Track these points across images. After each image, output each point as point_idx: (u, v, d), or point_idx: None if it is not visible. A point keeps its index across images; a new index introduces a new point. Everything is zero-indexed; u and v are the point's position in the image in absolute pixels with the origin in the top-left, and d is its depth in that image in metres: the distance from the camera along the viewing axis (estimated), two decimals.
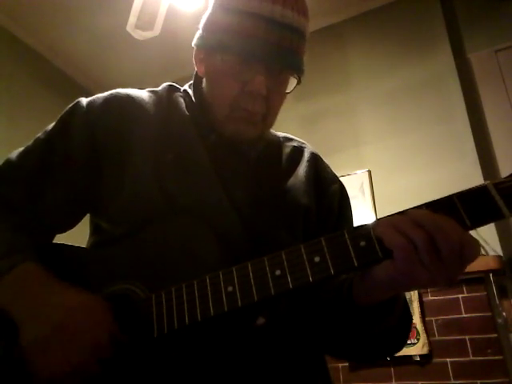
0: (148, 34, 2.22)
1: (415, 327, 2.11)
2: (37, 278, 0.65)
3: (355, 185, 2.58)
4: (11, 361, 0.63)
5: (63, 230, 0.82)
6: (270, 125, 0.82)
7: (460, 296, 2.10)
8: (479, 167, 2.35)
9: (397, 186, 2.52)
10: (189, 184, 0.73)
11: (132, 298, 0.65)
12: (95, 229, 0.80)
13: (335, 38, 3.04)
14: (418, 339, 2.08)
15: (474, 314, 2.05)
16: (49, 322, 0.59)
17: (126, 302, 0.64)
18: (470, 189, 0.54)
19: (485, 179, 2.30)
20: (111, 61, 3.30)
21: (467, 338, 2.03)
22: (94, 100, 0.80)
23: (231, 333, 0.63)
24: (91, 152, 0.76)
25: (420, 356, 2.07)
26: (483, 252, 2.23)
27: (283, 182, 0.81)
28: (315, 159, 0.87)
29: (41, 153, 0.77)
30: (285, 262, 0.57)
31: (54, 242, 0.81)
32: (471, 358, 1.99)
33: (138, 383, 0.61)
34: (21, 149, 0.80)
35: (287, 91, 0.78)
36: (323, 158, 0.91)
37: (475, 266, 2.07)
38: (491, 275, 2.07)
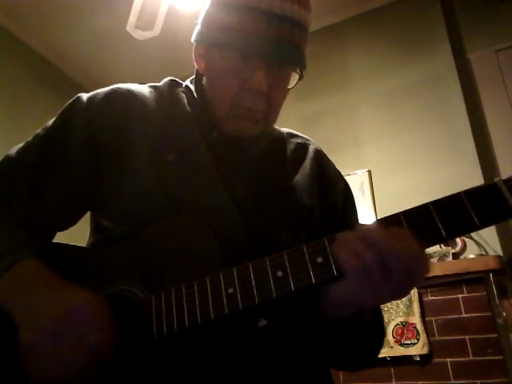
0: (148, 34, 2.22)
1: (415, 327, 2.11)
2: (37, 275, 0.64)
3: (355, 185, 2.58)
4: (9, 360, 0.61)
5: (64, 228, 0.80)
6: (273, 122, 0.80)
7: (460, 296, 2.10)
8: (479, 167, 2.35)
9: (397, 186, 2.52)
10: (190, 183, 0.72)
11: (131, 299, 0.64)
12: (96, 227, 0.79)
13: (335, 37, 3.04)
14: (418, 339, 2.08)
15: (474, 314, 2.05)
16: (47, 322, 0.57)
17: (126, 304, 0.64)
18: (478, 186, 0.51)
19: (485, 179, 2.30)
20: (111, 61, 3.30)
21: (467, 337, 2.03)
22: (94, 95, 0.79)
23: (232, 334, 0.62)
24: (92, 148, 0.75)
25: (420, 356, 2.07)
26: (483, 252, 2.23)
27: (287, 179, 0.79)
28: (320, 156, 0.86)
29: (40, 149, 0.76)
30: (286, 263, 0.55)
31: (55, 241, 0.81)
32: (471, 358, 1.99)
33: None
34: (20, 145, 0.79)
35: (289, 87, 0.75)
36: (328, 157, 0.89)
37: (475, 265, 2.07)
38: (491, 275, 2.07)
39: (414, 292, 2.16)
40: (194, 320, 0.58)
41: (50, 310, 0.58)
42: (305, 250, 0.56)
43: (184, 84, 0.84)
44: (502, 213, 0.49)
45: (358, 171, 2.64)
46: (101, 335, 0.57)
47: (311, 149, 0.86)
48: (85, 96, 0.79)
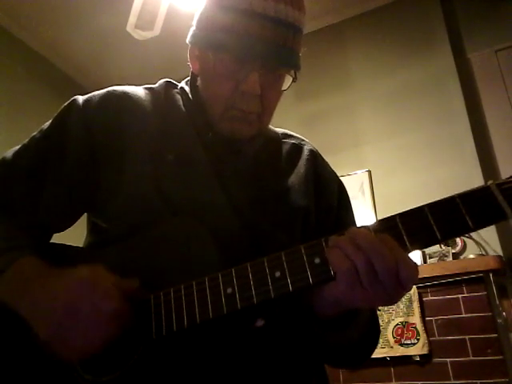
0: (148, 34, 2.22)
1: (415, 327, 2.11)
2: (37, 269, 0.65)
3: (355, 185, 2.58)
4: (33, 352, 0.63)
5: (61, 229, 0.81)
6: (267, 123, 0.81)
7: (460, 296, 2.10)
8: (479, 167, 2.35)
9: (397, 186, 2.52)
10: (186, 183, 0.72)
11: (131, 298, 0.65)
12: (92, 228, 0.80)
13: (335, 37, 3.04)
14: (418, 339, 2.08)
15: (473, 314, 2.05)
16: (59, 305, 0.59)
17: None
18: (472, 189, 0.53)
19: (485, 179, 2.30)
20: (111, 61, 3.30)
21: (467, 338, 2.03)
22: (90, 98, 0.79)
23: (230, 334, 0.62)
24: (88, 150, 0.75)
25: (420, 356, 2.07)
26: (483, 252, 2.23)
27: (282, 180, 0.80)
28: (314, 157, 0.86)
29: (37, 151, 0.77)
30: (284, 264, 0.56)
31: (51, 241, 0.81)
32: (471, 358, 1.99)
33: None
34: (16, 147, 0.79)
35: (283, 89, 0.76)
36: (323, 157, 0.90)
37: (475, 265, 2.07)
38: (491, 275, 2.07)
39: (414, 292, 2.16)
40: (192, 320, 0.58)
41: (58, 294, 0.60)
42: (303, 250, 0.56)
43: (179, 86, 0.85)
44: (494, 215, 0.51)
45: (358, 171, 2.64)
46: (109, 296, 0.58)
47: (306, 149, 0.87)
48: (80, 98, 0.79)
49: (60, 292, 0.60)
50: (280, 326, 0.68)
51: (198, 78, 0.80)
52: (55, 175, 0.75)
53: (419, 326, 2.10)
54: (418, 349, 2.07)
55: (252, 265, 0.58)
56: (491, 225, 0.52)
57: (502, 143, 2.42)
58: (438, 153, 2.49)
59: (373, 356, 0.79)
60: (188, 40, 0.79)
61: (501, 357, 1.95)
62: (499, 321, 2.02)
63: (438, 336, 2.09)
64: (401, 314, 2.17)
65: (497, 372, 1.93)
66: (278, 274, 0.56)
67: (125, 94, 0.79)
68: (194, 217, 0.67)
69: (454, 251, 2.28)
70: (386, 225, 0.55)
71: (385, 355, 2.11)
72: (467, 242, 2.30)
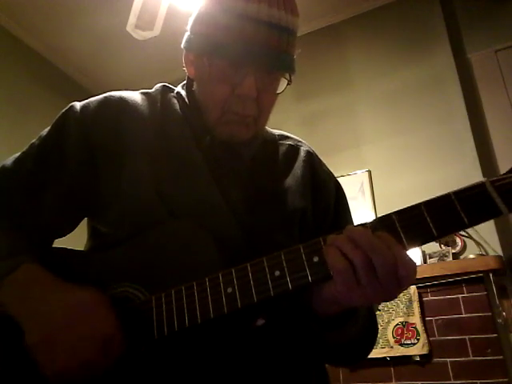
0: (148, 34, 2.22)
1: (415, 327, 2.12)
2: (38, 278, 0.65)
3: (355, 185, 2.58)
4: (19, 359, 0.63)
5: (61, 235, 0.82)
6: (263, 125, 0.81)
7: (460, 296, 2.10)
8: (479, 167, 2.35)
9: (397, 185, 2.52)
10: (185, 186, 0.73)
11: (132, 300, 0.65)
12: (93, 233, 0.80)
13: (335, 37, 3.04)
14: (418, 339, 2.09)
15: (473, 314, 2.05)
16: (57, 318, 0.59)
17: (126, 305, 0.64)
18: (467, 186, 0.54)
19: None
20: (111, 61, 3.30)
21: (467, 337, 2.03)
22: (87, 104, 0.79)
23: (231, 334, 0.63)
24: (87, 155, 0.75)
25: (420, 356, 2.07)
26: (483, 252, 2.23)
27: (279, 182, 0.80)
28: (311, 158, 0.87)
29: (36, 158, 0.77)
30: (284, 263, 0.57)
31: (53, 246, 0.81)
32: (471, 357, 2.00)
33: None
34: (16, 155, 0.80)
35: (278, 91, 0.76)
36: (323, 158, 0.90)
37: (475, 265, 2.07)
38: (491, 275, 2.07)
39: (414, 292, 2.16)
40: (194, 319, 0.59)
41: (58, 307, 0.60)
42: (301, 249, 0.57)
43: (175, 90, 0.85)
44: (489, 212, 0.52)
45: (358, 171, 2.64)
46: (108, 323, 0.59)
47: (302, 150, 0.87)
48: (78, 104, 0.80)
49: (61, 305, 0.60)
50: (280, 325, 0.69)
51: (194, 83, 0.80)
52: (55, 181, 0.76)
53: (419, 326, 2.10)
54: (417, 349, 2.07)
55: (252, 264, 0.59)
56: (486, 221, 0.53)
57: (501, 143, 2.42)
58: (437, 153, 2.49)
59: (373, 356, 0.79)
60: (183, 45, 0.79)
61: (501, 357, 1.95)
62: (499, 321, 2.02)
63: (438, 336, 2.09)
64: (401, 313, 2.17)
65: (497, 372, 1.93)
66: (277, 272, 0.57)
67: (122, 99, 0.79)
68: (193, 219, 0.68)
69: (454, 251, 2.28)
70: (383, 223, 0.56)
71: (385, 355, 2.11)
72: (467, 242, 2.30)
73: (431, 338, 2.09)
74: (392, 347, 2.12)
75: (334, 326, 0.64)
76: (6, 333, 0.66)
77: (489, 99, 2.53)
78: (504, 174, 0.52)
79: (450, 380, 2.00)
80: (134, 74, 3.32)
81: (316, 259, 0.56)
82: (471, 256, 2.19)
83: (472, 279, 2.09)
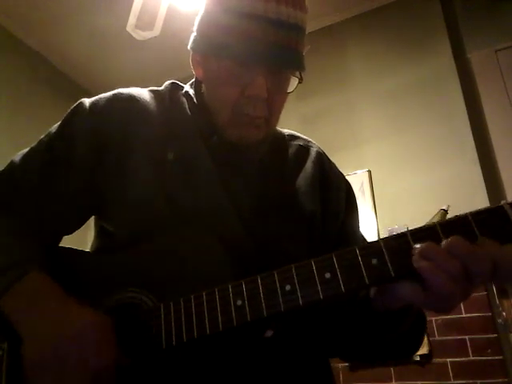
0: (148, 35, 2.22)
1: None
2: (44, 290, 0.64)
3: (355, 185, 2.58)
4: (15, 371, 0.62)
5: (69, 232, 0.80)
6: (274, 126, 0.79)
7: None
8: (479, 167, 2.35)
9: (397, 185, 2.51)
10: (192, 189, 0.72)
11: (139, 306, 0.64)
12: (100, 231, 0.79)
13: (335, 37, 3.04)
14: None
15: (473, 314, 2.05)
16: (51, 343, 0.57)
17: (133, 311, 0.63)
18: (484, 209, 0.51)
19: (485, 179, 2.30)
20: (111, 61, 3.30)
21: (467, 337, 2.03)
22: (96, 101, 0.78)
23: (239, 345, 0.62)
24: (95, 153, 0.75)
25: (420, 356, 2.07)
26: None
27: (289, 183, 0.79)
28: (321, 159, 0.85)
29: (44, 154, 0.76)
30: (295, 278, 0.56)
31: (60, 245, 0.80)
32: (471, 357, 1.99)
33: None
34: (24, 150, 0.79)
35: (289, 91, 0.74)
36: (330, 159, 0.88)
37: None
38: None
39: None
40: (202, 331, 0.58)
41: (55, 331, 0.58)
42: (313, 265, 0.56)
43: (184, 89, 0.84)
44: (508, 236, 0.49)
45: (358, 171, 2.64)
46: (103, 359, 0.57)
47: (313, 151, 0.85)
48: (87, 101, 0.79)
49: (60, 333, 0.58)
50: (289, 336, 0.68)
51: (203, 85, 0.79)
52: (64, 178, 0.75)
53: None
54: None
55: (262, 277, 0.58)
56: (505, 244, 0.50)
57: (501, 143, 2.42)
58: (438, 152, 2.49)
59: None
60: (189, 46, 0.77)
61: (501, 357, 1.95)
62: (499, 321, 2.02)
63: (438, 336, 2.09)
64: None
65: (497, 372, 1.93)
66: (288, 287, 0.56)
67: (130, 97, 0.79)
68: (199, 223, 0.67)
69: None
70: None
71: None
72: None
73: (431, 338, 2.09)
74: None
75: (392, 319, 0.62)
76: (6, 333, 0.65)
77: (489, 99, 2.53)
78: None
79: (450, 380, 2.00)
80: (133, 74, 3.31)
81: (328, 276, 0.54)
82: None
83: None
